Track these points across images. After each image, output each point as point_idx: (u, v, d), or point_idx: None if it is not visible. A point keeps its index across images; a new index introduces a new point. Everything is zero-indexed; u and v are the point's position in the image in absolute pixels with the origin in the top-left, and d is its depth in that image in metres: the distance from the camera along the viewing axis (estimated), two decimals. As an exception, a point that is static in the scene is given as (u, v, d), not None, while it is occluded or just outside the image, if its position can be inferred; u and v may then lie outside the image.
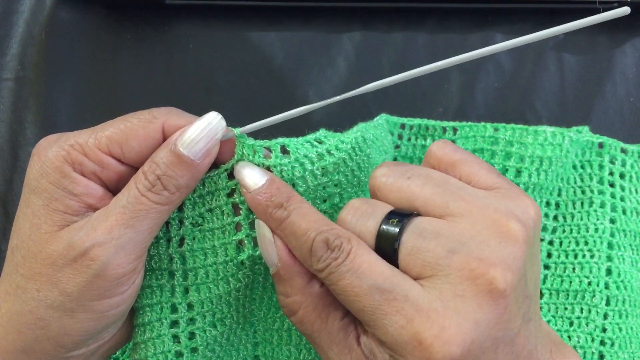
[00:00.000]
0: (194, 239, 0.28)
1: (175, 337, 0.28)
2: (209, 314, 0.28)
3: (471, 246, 0.22)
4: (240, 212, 0.27)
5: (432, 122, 0.36)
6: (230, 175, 0.27)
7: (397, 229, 0.23)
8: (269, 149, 0.27)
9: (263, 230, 0.25)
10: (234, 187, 0.27)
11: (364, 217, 0.25)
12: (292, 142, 0.27)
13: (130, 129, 0.26)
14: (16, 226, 0.25)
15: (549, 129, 0.33)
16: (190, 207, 0.28)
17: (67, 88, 0.42)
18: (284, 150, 0.27)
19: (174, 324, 0.28)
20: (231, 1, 0.42)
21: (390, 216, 0.24)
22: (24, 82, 0.42)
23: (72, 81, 0.42)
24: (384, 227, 0.24)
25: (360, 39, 0.42)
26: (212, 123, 0.26)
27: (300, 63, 0.42)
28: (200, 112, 0.42)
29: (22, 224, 0.25)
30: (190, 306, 0.28)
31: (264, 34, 0.42)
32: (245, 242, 0.27)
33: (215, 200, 0.28)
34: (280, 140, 0.27)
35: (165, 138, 0.26)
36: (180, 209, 0.28)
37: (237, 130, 0.27)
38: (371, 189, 0.26)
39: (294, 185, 0.27)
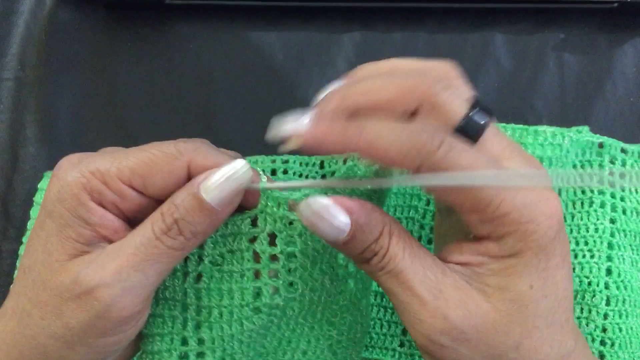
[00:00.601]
0: (211, 277, 0.27)
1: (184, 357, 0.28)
2: (219, 350, 0.28)
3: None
4: (261, 260, 0.26)
5: None
6: (254, 222, 0.26)
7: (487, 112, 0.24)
8: (294, 202, 0.26)
9: (319, 204, 0.23)
10: (256, 235, 0.27)
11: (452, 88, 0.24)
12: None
13: (154, 162, 0.24)
14: (29, 247, 0.25)
15: (549, 129, 0.33)
16: (212, 245, 0.27)
17: (67, 88, 0.42)
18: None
19: (183, 356, 0.28)
20: (231, 1, 0.42)
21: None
22: (24, 82, 0.42)
23: (72, 81, 0.42)
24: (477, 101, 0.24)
25: (360, 39, 0.42)
26: (238, 172, 0.24)
27: (300, 63, 0.42)
28: (200, 112, 0.42)
29: (36, 247, 0.25)
30: (200, 341, 0.28)
31: (264, 34, 0.42)
32: (264, 290, 0.26)
33: (237, 243, 0.27)
34: (307, 192, 0.26)
35: (190, 177, 0.25)
36: (201, 245, 0.27)
37: (263, 182, 0.26)
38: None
39: (313, 241, 0.26)
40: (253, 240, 0.27)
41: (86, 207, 0.24)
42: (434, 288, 0.23)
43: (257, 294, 0.27)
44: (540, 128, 0.33)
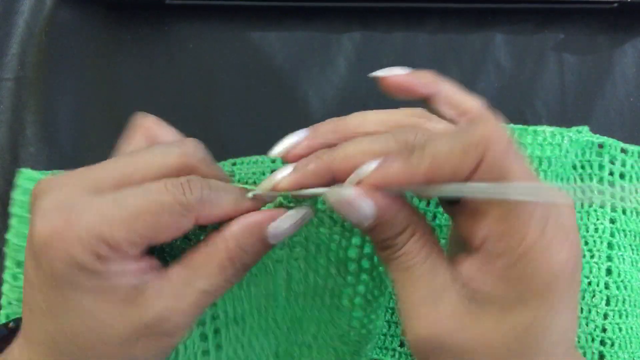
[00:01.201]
0: None
1: (203, 336, 0.28)
2: (230, 308, 0.28)
3: None
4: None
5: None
6: None
7: None
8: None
9: (342, 192, 0.23)
10: None
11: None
12: None
13: (164, 223, 0.23)
14: (72, 331, 0.23)
15: (548, 129, 0.33)
16: None
17: (67, 88, 0.42)
18: None
19: (201, 324, 0.28)
20: (231, 1, 0.42)
21: None
22: (24, 82, 0.42)
23: (72, 81, 0.42)
24: None
25: (360, 39, 0.42)
26: (306, 218, 0.25)
27: (300, 63, 0.42)
28: (200, 112, 0.42)
29: (62, 315, 0.23)
30: (213, 304, 0.28)
31: (264, 34, 0.42)
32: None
33: None
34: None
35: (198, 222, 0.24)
36: None
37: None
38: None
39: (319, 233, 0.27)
40: None
41: (102, 271, 0.22)
42: (437, 293, 0.22)
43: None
44: (540, 128, 0.33)
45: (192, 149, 0.25)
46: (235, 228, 0.24)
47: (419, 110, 0.26)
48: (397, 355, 0.36)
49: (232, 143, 0.41)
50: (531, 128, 0.33)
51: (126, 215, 0.22)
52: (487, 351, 0.22)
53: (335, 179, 0.24)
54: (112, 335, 0.23)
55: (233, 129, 0.41)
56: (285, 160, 0.25)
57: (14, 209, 0.36)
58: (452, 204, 0.24)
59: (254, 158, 0.39)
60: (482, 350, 0.22)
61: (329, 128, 0.26)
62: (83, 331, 0.23)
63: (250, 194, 0.25)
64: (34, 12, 0.43)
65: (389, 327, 0.36)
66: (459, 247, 0.24)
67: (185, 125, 0.42)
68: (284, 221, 0.24)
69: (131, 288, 0.23)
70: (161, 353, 0.24)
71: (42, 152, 0.41)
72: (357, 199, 0.22)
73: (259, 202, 0.25)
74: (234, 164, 0.39)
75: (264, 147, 0.39)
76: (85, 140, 0.41)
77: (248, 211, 0.25)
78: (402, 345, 0.36)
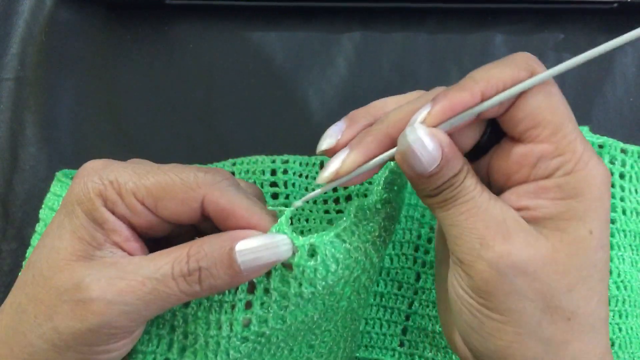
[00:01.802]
0: (199, 304, 0.26)
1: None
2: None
3: None
4: (255, 291, 0.26)
5: None
6: None
7: None
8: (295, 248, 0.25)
9: (409, 136, 0.23)
10: None
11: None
12: (321, 243, 0.25)
13: (171, 188, 0.24)
14: (40, 243, 0.25)
15: None
16: None
17: (67, 88, 0.42)
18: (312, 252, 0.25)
19: None
20: (231, 1, 0.42)
21: None
22: (24, 82, 0.42)
23: (72, 81, 0.42)
24: None
25: (360, 39, 0.42)
26: (280, 249, 0.24)
27: (300, 63, 0.42)
28: (200, 112, 0.42)
29: (45, 243, 0.25)
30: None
31: (264, 34, 0.42)
32: (254, 320, 0.26)
33: None
34: (310, 238, 0.25)
35: (203, 210, 0.25)
36: None
37: (294, 256, 0.25)
38: None
39: (311, 284, 0.25)
40: None
41: (100, 212, 0.24)
42: (499, 218, 0.23)
43: (246, 324, 0.26)
44: None
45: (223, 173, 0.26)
46: (206, 240, 0.25)
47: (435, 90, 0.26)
48: (397, 355, 0.36)
49: (232, 143, 0.41)
50: None
51: (142, 171, 0.25)
52: (556, 268, 0.23)
53: (393, 145, 0.24)
54: (50, 285, 0.24)
55: (233, 129, 0.41)
56: (334, 152, 0.26)
57: (43, 214, 0.36)
58: (485, 152, 0.26)
59: (254, 158, 0.39)
60: (551, 268, 0.22)
61: (361, 112, 0.26)
62: (42, 269, 0.24)
63: (320, 181, 0.25)
64: (34, 12, 0.43)
65: (389, 326, 0.36)
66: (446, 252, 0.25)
67: (185, 125, 0.42)
68: (254, 240, 0.24)
69: (97, 249, 0.24)
70: (87, 340, 0.24)
71: (42, 152, 0.41)
72: (424, 139, 0.23)
73: (270, 219, 0.25)
74: (234, 164, 0.39)
75: (264, 147, 0.39)
76: (85, 140, 0.41)
77: (256, 220, 0.25)
78: (402, 345, 0.36)
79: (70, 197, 0.25)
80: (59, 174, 0.36)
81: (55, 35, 0.42)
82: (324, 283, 0.25)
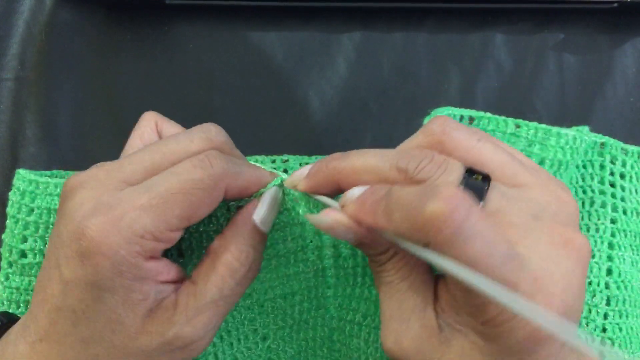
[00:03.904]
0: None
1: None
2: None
3: (550, 213, 0.22)
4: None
5: (446, 109, 0.32)
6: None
7: (484, 186, 0.22)
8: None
9: (322, 219, 0.24)
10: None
11: (441, 168, 0.22)
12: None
13: (198, 200, 0.24)
14: (85, 319, 0.24)
15: (571, 132, 0.32)
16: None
17: (67, 88, 0.42)
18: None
19: None
20: (231, 1, 0.42)
21: (470, 173, 0.22)
22: (24, 82, 0.42)
23: (72, 81, 0.42)
24: (468, 182, 0.22)
25: (360, 39, 0.42)
26: (276, 198, 0.27)
27: (300, 63, 0.42)
28: (199, 112, 0.42)
29: (96, 319, 0.23)
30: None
31: (264, 34, 0.42)
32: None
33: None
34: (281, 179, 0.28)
35: (226, 195, 0.26)
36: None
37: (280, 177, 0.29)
38: (435, 140, 0.24)
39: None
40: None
41: (144, 270, 0.23)
42: (407, 313, 0.23)
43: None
44: (563, 130, 0.31)
45: (214, 133, 0.27)
46: (228, 234, 0.26)
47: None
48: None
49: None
50: (555, 129, 0.31)
51: (162, 202, 0.23)
52: None
53: (340, 189, 0.25)
54: (136, 347, 0.24)
55: (233, 129, 0.41)
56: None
57: (10, 210, 0.35)
58: None
59: (253, 158, 0.39)
60: None
61: (325, 175, 0.26)
62: (112, 339, 0.23)
63: (278, 181, 0.28)
64: (34, 12, 0.43)
65: None
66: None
67: (185, 125, 0.42)
68: (261, 207, 0.26)
69: (154, 299, 0.24)
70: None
71: (42, 152, 0.41)
72: (334, 227, 0.24)
73: (274, 175, 0.28)
74: (234, 164, 0.39)
75: (264, 147, 0.39)
76: (85, 140, 0.41)
77: (267, 182, 0.27)
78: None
79: (104, 274, 0.22)
80: (20, 172, 0.34)
81: (55, 35, 0.42)
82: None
